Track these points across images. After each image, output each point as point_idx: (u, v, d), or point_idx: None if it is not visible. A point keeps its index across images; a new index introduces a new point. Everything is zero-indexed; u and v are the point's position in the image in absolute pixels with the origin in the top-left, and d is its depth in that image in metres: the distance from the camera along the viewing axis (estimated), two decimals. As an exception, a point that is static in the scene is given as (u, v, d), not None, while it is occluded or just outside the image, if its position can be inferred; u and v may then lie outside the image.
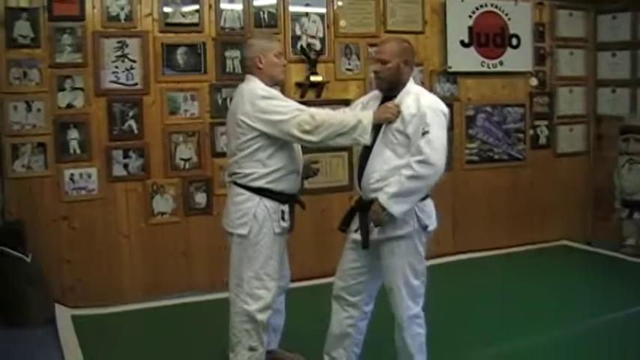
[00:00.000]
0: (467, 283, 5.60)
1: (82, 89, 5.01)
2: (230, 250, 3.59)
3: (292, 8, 5.61)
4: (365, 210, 3.37)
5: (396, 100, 3.36)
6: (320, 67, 5.65)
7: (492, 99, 6.50)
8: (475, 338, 4.33)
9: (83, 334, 4.49)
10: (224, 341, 3.68)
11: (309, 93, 5.66)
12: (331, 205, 5.66)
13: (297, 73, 5.63)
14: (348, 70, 5.84)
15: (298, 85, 5.62)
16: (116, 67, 5.10)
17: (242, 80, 3.63)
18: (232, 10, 5.42)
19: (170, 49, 5.24)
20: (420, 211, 3.33)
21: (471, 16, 6.26)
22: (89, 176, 5.07)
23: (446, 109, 3.36)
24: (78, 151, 5.04)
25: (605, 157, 6.78)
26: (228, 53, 5.39)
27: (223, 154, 4.81)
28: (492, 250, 6.40)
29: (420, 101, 3.29)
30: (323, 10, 5.72)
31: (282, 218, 3.53)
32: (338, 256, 3.66)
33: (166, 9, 5.21)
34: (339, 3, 5.77)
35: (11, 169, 4.88)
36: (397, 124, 3.29)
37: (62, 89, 4.97)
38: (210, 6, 5.34)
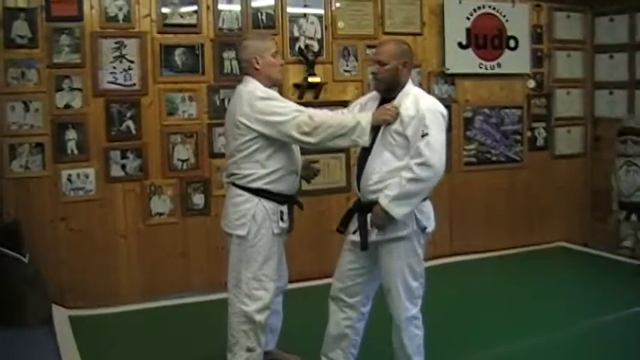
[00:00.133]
0: (464, 285, 5.60)
1: (79, 90, 5.01)
2: (229, 251, 3.59)
3: (290, 9, 5.61)
4: (363, 211, 3.37)
5: (395, 102, 3.36)
6: (318, 68, 5.65)
7: (490, 101, 6.51)
8: (473, 340, 4.33)
9: (81, 334, 4.48)
10: (222, 342, 3.67)
11: (307, 94, 5.66)
12: (329, 207, 5.66)
13: (295, 74, 5.63)
14: (346, 71, 5.84)
15: (296, 86, 5.62)
16: (114, 68, 5.10)
17: (240, 81, 3.61)
18: (230, 11, 5.42)
19: (168, 49, 5.24)
20: (419, 212, 3.34)
21: (468, 18, 6.27)
22: (87, 177, 5.07)
23: (445, 111, 3.37)
24: (76, 151, 5.04)
25: (602, 159, 6.79)
26: (226, 54, 5.39)
27: (221, 155, 4.83)
28: (490, 252, 6.40)
29: (418, 103, 3.29)
30: (321, 12, 5.72)
31: (281, 219, 3.53)
32: (335, 257, 3.66)
33: (164, 10, 5.21)
34: (337, 4, 5.77)
35: (9, 170, 4.87)
36: (396, 126, 3.30)
37: (60, 89, 4.97)
38: (208, 7, 5.34)
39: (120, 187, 5.18)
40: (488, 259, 6.32)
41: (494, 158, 6.56)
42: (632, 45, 6.53)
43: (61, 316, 4.76)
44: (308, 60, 5.59)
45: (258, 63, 3.51)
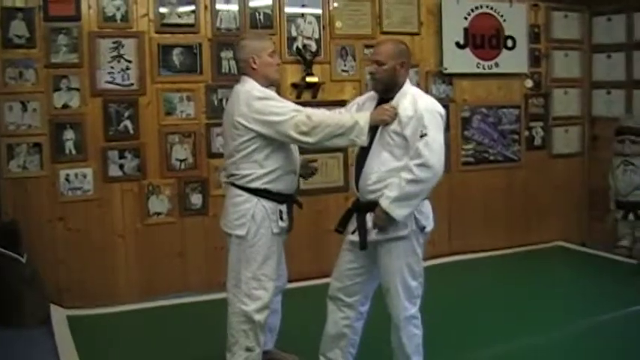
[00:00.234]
0: (462, 284, 5.60)
1: (77, 89, 5.01)
2: (228, 250, 3.59)
3: (288, 9, 5.61)
4: (362, 211, 3.38)
5: (393, 102, 3.36)
6: (316, 68, 5.65)
7: (488, 100, 6.52)
8: (471, 339, 4.33)
9: (79, 334, 4.48)
10: (220, 342, 3.68)
11: (305, 94, 5.66)
12: (327, 206, 5.66)
13: (292, 74, 5.63)
14: (343, 71, 5.85)
15: (294, 86, 5.62)
16: (112, 68, 5.09)
17: (238, 81, 3.61)
18: (228, 11, 5.42)
19: (166, 49, 5.23)
20: (418, 212, 3.34)
21: (466, 18, 6.27)
22: (85, 177, 5.07)
23: (443, 111, 3.37)
24: (73, 151, 5.04)
25: (600, 158, 6.79)
26: (224, 54, 5.39)
27: (219, 155, 4.83)
28: (488, 252, 6.40)
29: (417, 103, 3.29)
30: (319, 11, 5.72)
31: (281, 218, 3.53)
32: (334, 256, 3.67)
33: (162, 9, 5.21)
34: (335, 4, 5.77)
35: (7, 170, 4.87)
36: (394, 126, 3.30)
37: (58, 89, 4.96)
38: (206, 7, 5.34)
39: (118, 186, 5.18)
40: (486, 259, 6.33)
41: (491, 158, 6.57)
42: (629, 44, 6.54)
43: (59, 316, 4.76)
44: (306, 60, 5.59)
45: (255, 63, 3.51)
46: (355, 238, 3.42)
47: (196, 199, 5.40)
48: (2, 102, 4.83)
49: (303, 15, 5.67)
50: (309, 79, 5.59)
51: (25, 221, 4.83)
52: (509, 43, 6.46)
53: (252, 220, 3.46)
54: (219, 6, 5.38)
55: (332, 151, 5.48)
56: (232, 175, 3.53)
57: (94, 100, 5.07)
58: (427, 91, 5.70)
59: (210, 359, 3.99)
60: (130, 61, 5.13)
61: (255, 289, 3.49)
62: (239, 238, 3.48)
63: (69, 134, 5.02)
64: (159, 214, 5.31)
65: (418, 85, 5.70)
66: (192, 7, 5.29)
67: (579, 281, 5.71)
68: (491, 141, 6.55)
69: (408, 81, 3.46)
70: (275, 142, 3.44)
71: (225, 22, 5.41)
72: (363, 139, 3.34)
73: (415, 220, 3.33)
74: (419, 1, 6.10)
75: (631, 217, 6.31)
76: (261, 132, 3.40)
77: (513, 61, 6.50)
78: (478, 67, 6.35)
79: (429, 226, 3.43)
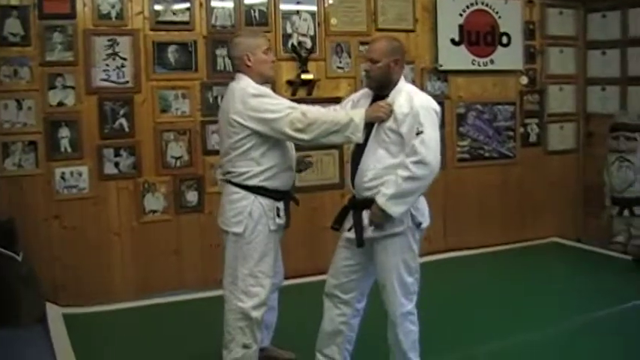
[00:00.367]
0: (458, 280, 5.61)
1: (72, 87, 5.00)
2: (224, 248, 3.59)
3: (283, 6, 5.61)
4: (358, 208, 3.38)
5: (388, 99, 3.36)
6: (311, 65, 5.66)
7: (483, 97, 6.52)
8: (467, 335, 4.34)
9: (75, 332, 4.48)
10: (216, 339, 3.68)
11: (300, 91, 5.66)
12: (322, 203, 5.67)
13: (288, 71, 5.63)
14: (339, 68, 5.85)
15: (289, 83, 5.62)
16: (107, 66, 5.08)
17: (233, 78, 3.60)
18: (223, 8, 5.42)
19: (161, 47, 5.23)
20: (414, 208, 3.34)
21: (461, 15, 6.28)
22: (80, 175, 5.06)
23: (438, 108, 3.37)
24: (69, 149, 5.03)
25: (595, 154, 6.81)
26: (219, 51, 5.38)
27: (215, 152, 4.83)
28: (483, 248, 6.42)
29: (412, 100, 3.29)
30: (314, 8, 5.72)
31: (278, 215, 3.53)
32: (330, 253, 3.67)
33: (157, 7, 5.20)
34: (330, 1, 5.77)
35: (2, 168, 4.86)
36: (390, 123, 3.30)
37: (53, 87, 4.95)
38: (201, 4, 5.34)
39: (113, 184, 5.18)
40: (481, 255, 6.34)
41: (487, 154, 6.58)
42: (624, 41, 6.56)
43: (54, 314, 4.76)
44: (301, 57, 5.59)
45: (249, 60, 3.51)
46: (351, 235, 3.42)
47: (192, 197, 5.40)
48: (-3, 100, 4.83)
49: (298, 12, 5.67)
50: (304, 76, 5.59)
51: (20, 219, 4.81)
52: (505, 39, 6.47)
53: (249, 217, 3.46)
54: (214, 3, 5.38)
55: (327, 147, 5.50)
56: (229, 172, 3.53)
57: (89, 98, 5.07)
58: (422, 87, 5.72)
59: (206, 356, 3.99)
60: (125, 59, 5.12)
61: (252, 286, 3.49)
62: (236, 235, 3.48)
63: (64, 132, 5.01)
64: (154, 211, 5.30)
65: (413, 82, 5.70)
66: (187, 5, 5.29)
67: (574, 277, 5.72)
68: (486, 138, 6.55)
69: (402, 78, 3.45)
70: (271, 139, 3.44)
71: (220, 19, 5.41)
72: (358, 136, 3.35)
73: (411, 217, 3.33)
74: (414, -3, 6.11)
75: (626, 213, 6.32)
76: (257, 129, 3.40)
77: (508, 57, 6.51)
78: (473, 64, 6.36)
79: (425, 222, 3.43)
